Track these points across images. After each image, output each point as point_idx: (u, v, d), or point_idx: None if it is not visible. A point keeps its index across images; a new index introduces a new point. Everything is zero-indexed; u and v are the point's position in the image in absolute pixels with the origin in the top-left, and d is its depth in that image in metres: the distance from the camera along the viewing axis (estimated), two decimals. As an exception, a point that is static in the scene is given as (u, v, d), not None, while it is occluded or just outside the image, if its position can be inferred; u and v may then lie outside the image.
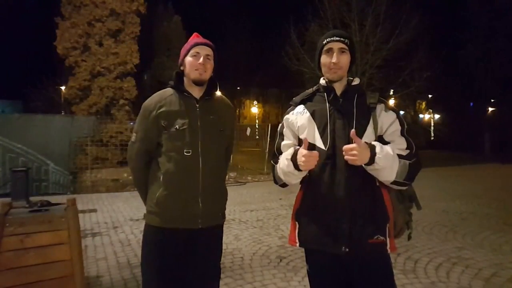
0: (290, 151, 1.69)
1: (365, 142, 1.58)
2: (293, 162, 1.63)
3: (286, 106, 1.93)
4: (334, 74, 1.68)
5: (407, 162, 1.60)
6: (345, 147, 1.55)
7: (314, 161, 1.57)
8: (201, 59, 1.86)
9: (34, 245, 2.34)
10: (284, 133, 1.81)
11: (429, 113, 32.64)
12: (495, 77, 20.79)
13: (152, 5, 19.26)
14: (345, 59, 1.69)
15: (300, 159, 1.59)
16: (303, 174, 1.66)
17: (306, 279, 3.10)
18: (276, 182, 1.84)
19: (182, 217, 1.82)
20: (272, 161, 1.86)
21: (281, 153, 1.79)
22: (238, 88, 42.21)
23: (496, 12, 20.58)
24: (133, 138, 1.96)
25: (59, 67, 19.46)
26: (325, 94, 1.73)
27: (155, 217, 1.85)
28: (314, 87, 1.81)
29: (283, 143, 1.80)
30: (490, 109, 24.01)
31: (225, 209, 2.02)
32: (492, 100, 23.44)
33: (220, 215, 1.97)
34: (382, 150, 1.56)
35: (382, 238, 1.63)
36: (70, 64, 15.63)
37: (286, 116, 1.82)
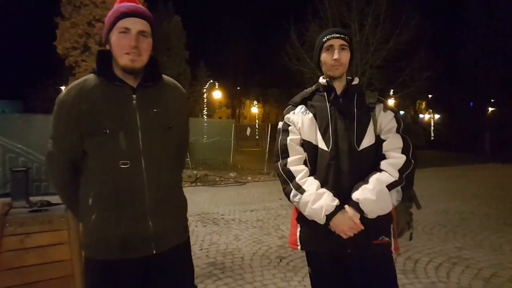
0: (330, 202, 1.56)
1: (349, 205, 1.56)
2: (327, 218, 1.55)
3: (286, 106, 1.86)
4: (336, 71, 1.67)
5: (399, 187, 1.57)
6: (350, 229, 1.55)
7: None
8: (133, 39, 1.34)
9: (34, 245, 2.34)
10: (290, 129, 1.73)
11: (429, 113, 32.64)
12: (495, 77, 20.78)
13: (152, 5, 19.26)
14: (346, 55, 1.68)
15: (346, 225, 1.54)
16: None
17: (306, 279, 3.09)
18: (284, 190, 1.68)
19: (128, 245, 1.37)
20: (279, 163, 1.70)
21: (287, 150, 1.70)
22: (238, 88, 42.23)
23: (496, 12, 20.57)
24: (49, 146, 1.44)
25: (59, 67, 19.46)
26: (325, 93, 1.72)
27: (94, 249, 1.39)
28: (314, 86, 1.79)
29: (289, 137, 1.71)
30: (490, 109, 24.01)
31: (187, 221, 1.59)
32: (492, 100, 23.43)
33: (181, 231, 1.53)
34: (362, 196, 1.54)
35: (386, 239, 1.63)
36: (70, 64, 15.64)
37: (287, 116, 1.77)
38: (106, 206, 1.36)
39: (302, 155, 1.70)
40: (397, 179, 1.57)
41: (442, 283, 3.33)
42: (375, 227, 1.61)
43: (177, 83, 1.61)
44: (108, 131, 1.34)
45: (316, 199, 1.57)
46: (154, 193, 1.40)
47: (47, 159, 1.48)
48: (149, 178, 1.39)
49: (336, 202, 1.57)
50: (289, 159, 1.68)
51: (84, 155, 1.40)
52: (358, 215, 1.55)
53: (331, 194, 1.58)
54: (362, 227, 1.55)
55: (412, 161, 1.61)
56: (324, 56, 1.69)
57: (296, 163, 1.68)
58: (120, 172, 1.35)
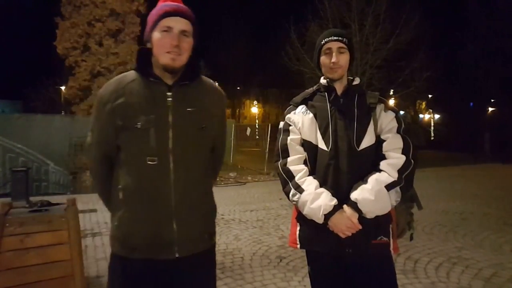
0: (328, 201, 1.56)
1: (347, 204, 1.57)
2: (325, 217, 1.57)
3: (286, 106, 1.87)
4: (335, 73, 1.68)
5: (398, 187, 1.57)
6: (347, 228, 1.55)
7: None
8: (175, 39, 1.35)
9: (34, 245, 2.34)
10: (290, 129, 1.75)
11: (429, 113, 32.66)
12: (495, 77, 20.79)
13: (152, 5, 19.23)
14: (345, 58, 1.69)
15: (343, 225, 1.55)
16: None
17: (306, 279, 3.08)
18: (283, 189, 1.70)
19: (152, 245, 1.36)
20: (279, 163, 1.71)
21: (287, 150, 1.71)
22: (238, 88, 42.24)
23: (496, 12, 20.57)
24: (88, 139, 1.50)
25: (59, 67, 19.46)
26: (326, 94, 1.73)
27: (119, 244, 1.41)
28: (315, 87, 1.80)
29: (290, 137, 1.72)
30: (490, 109, 24.02)
31: (214, 228, 1.55)
32: (492, 100, 23.44)
33: (206, 237, 1.49)
34: (360, 196, 1.55)
35: (385, 239, 1.63)
36: (70, 64, 15.63)
37: (288, 116, 1.78)
38: (132, 202, 1.37)
39: (302, 154, 1.70)
40: (396, 179, 1.57)
41: (442, 283, 3.34)
42: (374, 227, 1.61)
43: (216, 85, 1.59)
44: (139, 127, 1.35)
45: (315, 198, 1.58)
46: (180, 195, 1.38)
47: (87, 151, 1.54)
48: (176, 179, 1.37)
49: (334, 201, 1.58)
50: (289, 159, 1.69)
51: (118, 150, 1.42)
52: (356, 215, 1.55)
53: (330, 194, 1.59)
54: (360, 227, 1.56)
55: (412, 161, 1.61)
56: (323, 59, 1.72)
57: (296, 163, 1.68)
58: (147, 169, 1.35)
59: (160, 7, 1.39)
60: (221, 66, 36.50)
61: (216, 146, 1.57)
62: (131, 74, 1.44)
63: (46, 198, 2.95)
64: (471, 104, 24.89)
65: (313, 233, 1.66)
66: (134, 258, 1.38)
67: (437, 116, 31.73)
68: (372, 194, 1.54)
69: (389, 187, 1.56)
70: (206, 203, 1.51)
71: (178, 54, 1.35)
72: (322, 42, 1.70)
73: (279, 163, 1.72)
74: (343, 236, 1.57)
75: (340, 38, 1.67)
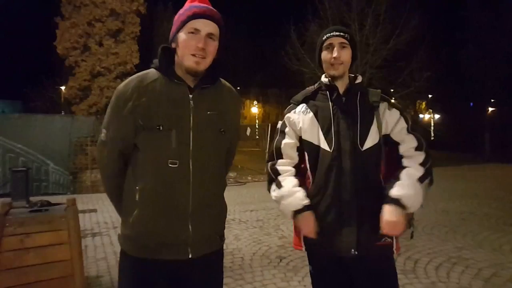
0: (300, 200, 1.62)
1: (390, 203, 1.55)
2: (294, 213, 1.63)
3: (286, 106, 1.85)
4: (336, 70, 1.64)
5: (426, 181, 1.59)
6: (389, 225, 1.54)
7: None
8: (201, 41, 1.33)
9: (34, 245, 2.34)
10: (286, 132, 1.74)
11: (429, 113, 32.65)
12: (495, 77, 20.78)
13: (152, 5, 19.29)
14: (346, 54, 1.64)
15: (307, 226, 1.62)
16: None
17: (306, 279, 3.08)
18: (268, 186, 1.77)
19: (165, 246, 1.37)
20: (269, 163, 1.75)
21: (280, 153, 1.73)
22: (238, 88, 42.13)
23: (496, 12, 20.57)
24: (102, 136, 1.45)
25: (59, 67, 19.46)
26: (327, 92, 1.69)
27: (131, 244, 1.40)
28: (315, 85, 1.76)
29: (284, 141, 1.73)
30: (490, 109, 24.01)
31: (224, 228, 1.57)
32: (492, 100, 23.43)
33: (218, 238, 1.50)
34: (400, 192, 1.55)
35: (389, 240, 1.63)
36: (70, 64, 15.62)
37: (288, 115, 1.76)
38: (149, 203, 1.36)
39: (293, 160, 1.73)
40: (423, 173, 1.59)
41: (442, 283, 3.34)
42: (379, 229, 1.60)
43: (233, 89, 1.59)
44: (161, 128, 1.33)
45: (289, 195, 1.64)
46: (198, 196, 1.38)
47: (99, 148, 1.48)
48: (195, 181, 1.37)
49: (306, 201, 1.62)
50: (279, 161, 1.73)
51: (135, 148, 1.39)
52: (400, 212, 1.53)
53: (304, 193, 1.63)
54: (315, 232, 1.61)
55: (429, 156, 1.63)
56: (324, 55, 1.67)
57: (285, 165, 1.72)
58: (168, 171, 1.34)
59: (189, 7, 1.37)
60: (221, 66, 36.45)
61: (230, 148, 1.58)
62: (153, 72, 1.41)
63: (46, 198, 2.95)
64: (471, 104, 24.88)
65: (320, 236, 1.64)
66: (146, 258, 1.37)
67: (437, 116, 31.71)
68: (410, 188, 1.54)
69: (421, 179, 1.57)
70: (220, 205, 1.52)
71: (203, 57, 1.34)
72: (324, 38, 1.66)
73: (269, 163, 1.76)
74: (310, 235, 1.63)
75: (342, 34, 1.64)
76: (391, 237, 1.64)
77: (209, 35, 1.35)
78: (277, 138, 1.77)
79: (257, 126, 26.01)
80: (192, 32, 1.33)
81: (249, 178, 11.19)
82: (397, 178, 1.59)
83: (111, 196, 1.54)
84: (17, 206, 2.63)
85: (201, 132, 1.38)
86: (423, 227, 5.24)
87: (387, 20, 14.69)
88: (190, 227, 1.38)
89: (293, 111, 1.75)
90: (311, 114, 1.68)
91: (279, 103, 42.14)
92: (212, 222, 1.46)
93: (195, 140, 1.36)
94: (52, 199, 2.95)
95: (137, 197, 1.37)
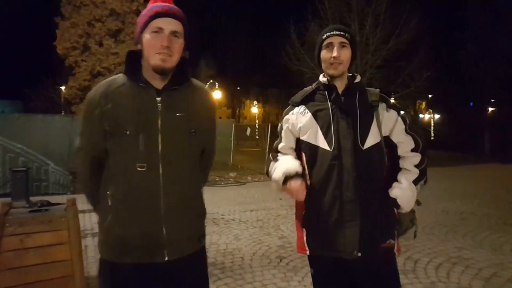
0: (286, 170, 1.65)
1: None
2: (283, 183, 1.64)
3: (286, 106, 1.85)
4: (335, 69, 1.63)
5: (423, 181, 1.69)
6: None
7: (302, 197, 1.64)
8: (165, 39, 1.33)
9: (34, 245, 2.34)
10: (282, 135, 1.77)
11: (429, 113, 32.64)
12: (495, 77, 20.78)
13: (152, 5, 19.27)
14: (346, 53, 1.63)
15: (292, 188, 1.62)
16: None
17: (306, 279, 3.08)
18: (267, 173, 1.84)
19: (141, 250, 1.36)
20: (270, 155, 1.83)
21: (279, 152, 1.81)
22: (238, 88, 42.25)
23: (496, 12, 20.57)
24: (78, 143, 1.47)
25: (59, 67, 19.46)
26: (326, 92, 1.68)
27: (108, 250, 1.40)
28: (313, 85, 1.75)
29: (280, 144, 1.78)
30: (490, 109, 24.01)
31: (203, 230, 1.57)
32: (492, 100, 23.43)
33: (195, 240, 1.50)
34: (399, 192, 1.65)
35: (393, 241, 1.64)
36: (70, 64, 15.63)
37: (286, 117, 1.75)
38: (121, 208, 1.36)
39: (294, 156, 1.79)
40: (418, 175, 1.66)
41: (442, 283, 3.33)
42: (383, 230, 1.61)
43: (206, 88, 1.58)
44: (128, 132, 1.33)
45: (285, 162, 1.68)
46: (169, 199, 1.37)
47: (76, 155, 1.51)
48: (165, 184, 1.36)
49: (300, 170, 1.65)
50: (280, 151, 1.81)
51: (107, 155, 1.40)
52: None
53: (299, 164, 1.67)
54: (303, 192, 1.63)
55: (425, 156, 1.69)
56: (323, 54, 1.66)
57: (286, 152, 1.79)
58: (136, 175, 1.34)
59: (150, 7, 1.37)
60: (221, 66, 36.51)
61: (206, 149, 1.57)
62: (120, 78, 1.41)
63: (46, 198, 2.94)
64: (471, 104, 24.88)
65: (322, 238, 1.63)
66: (124, 262, 1.37)
67: (437, 116, 31.70)
68: (407, 190, 1.64)
69: (415, 182, 1.66)
70: (195, 207, 1.50)
71: (169, 55, 1.34)
72: (324, 37, 1.65)
73: (270, 154, 1.85)
74: (297, 198, 1.66)
75: (342, 33, 1.63)
76: (394, 239, 1.64)
77: (173, 33, 1.35)
78: (276, 141, 1.84)
79: (257, 126, 25.98)
80: (155, 31, 1.33)
81: (249, 178, 11.19)
82: (396, 180, 1.67)
83: (91, 202, 1.54)
84: (17, 206, 2.63)
85: (170, 135, 1.37)
86: (423, 227, 5.24)
87: (387, 20, 14.70)
88: (164, 229, 1.37)
89: (291, 112, 1.75)
90: (310, 114, 1.67)
91: (279, 103, 42.17)
92: (188, 225, 1.45)
93: (164, 143, 1.36)
94: (52, 199, 2.95)
95: (109, 202, 1.37)
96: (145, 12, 1.38)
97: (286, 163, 1.67)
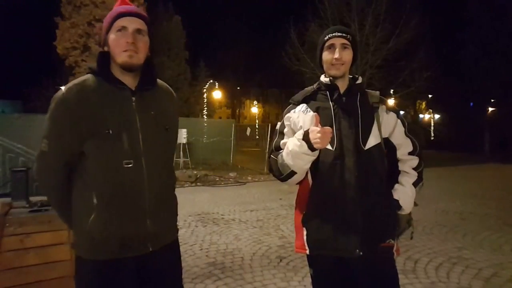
0: (300, 132, 1.57)
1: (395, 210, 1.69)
2: (306, 142, 1.51)
3: (286, 106, 1.84)
4: (337, 70, 1.64)
5: (421, 183, 1.72)
6: None
7: (329, 137, 1.50)
8: (130, 37, 1.37)
9: (34, 245, 2.34)
10: (285, 132, 1.74)
11: (429, 113, 32.63)
12: (495, 77, 20.78)
13: (152, 5, 19.26)
14: (348, 54, 1.64)
15: (315, 135, 1.48)
16: (316, 155, 1.56)
17: (306, 279, 3.08)
18: (277, 175, 1.69)
19: (126, 244, 1.39)
20: (271, 155, 1.74)
21: (280, 149, 1.73)
22: (238, 88, 42.28)
23: (496, 12, 20.57)
24: (43, 146, 1.41)
25: (59, 67, 19.46)
26: (328, 92, 1.69)
27: (89, 249, 1.40)
28: (315, 85, 1.75)
29: (282, 142, 1.73)
30: (490, 109, 24.01)
31: (177, 220, 1.64)
32: (492, 100, 23.43)
33: (173, 230, 1.59)
34: (400, 194, 1.69)
35: (392, 242, 1.65)
36: (70, 64, 15.64)
37: (288, 115, 1.75)
38: (107, 206, 1.37)
39: None
40: (417, 177, 1.71)
41: (442, 283, 3.34)
42: (383, 230, 1.62)
43: (169, 87, 1.66)
44: (111, 132, 1.35)
45: (291, 140, 1.60)
46: (153, 192, 1.43)
47: (39, 159, 1.45)
48: (149, 178, 1.42)
49: (305, 129, 1.58)
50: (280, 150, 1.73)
51: (81, 156, 1.38)
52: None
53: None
54: (329, 129, 1.52)
55: (422, 160, 1.73)
56: (325, 55, 1.66)
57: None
58: (124, 172, 1.37)
59: (113, 10, 1.44)
60: (221, 66, 36.51)
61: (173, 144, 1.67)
62: (91, 78, 1.42)
63: (46, 198, 2.94)
64: (471, 104, 24.88)
65: (323, 237, 1.63)
66: (107, 259, 1.39)
67: (437, 116, 31.69)
68: (409, 192, 1.68)
69: (415, 184, 1.70)
70: (172, 197, 1.60)
71: (135, 51, 1.38)
72: (325, 38, 1.66)
73: (272, 154, 1.75)
74: (323, 145, 1.51)
75: (344, 35, 1.63)
76: (394, 239, 1.64)
77: (138, 31, 1.40)
78: (276, 139, 1.78)
79: (257, 126, 25.99)
80: (119, 30, 1.38)
81: (249, 178, 11.19)
82: (397, 182, 1.71)
83: (59, 207, 1.53)
84: (17, 206, 2.63)
85: (148, 131, 1.43)
86: (423, 227, 5.24)
87: (387, 20, 14.70)
88: (148, 222, 1.43)
89: (292, 110, 1.74)
90: (311, 113, 1.67)
91: (279, 103, 42.21)
92: (168, 215, 1.55)
93: (144, 140, 1.42)
94: (52, 199, 2.94)
95: (94, 201, 1.36)
96: (109, 15, 1.44)
97: (292, 138, 1.61)
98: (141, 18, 1.42)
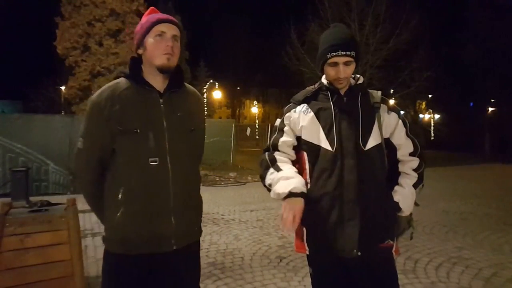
0: (287, 189, 1.60)
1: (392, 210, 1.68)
2: (285, 198, 1.60)
3: (286, 106, 1.82)
4: (340, 85, 1.64)
5: (421, 185, 1.72)
6: None
7: (291, 228, 1.58)
8: (169, 41, 1.49)
9: (34, 245, 2.34)
10: (285, 130, 1.73)
11: (429, 113, 32.63)
12: (495, 77, 20.78)
13: (152, 5, 19.30)
14: (351, 69, 1.62)
15: (291, 210, 1.57)
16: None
17: (306, 279, 3.08)
18: (261, 176, 1.75)
19: (151, 240, 1.47)
20: (267, 152, 1.74)
21: (277, 149, 1.73)
22: (238, 88, 42.29)
23: (496, 12, 20.56)
24: (79, 144, 1.54)
25: (59, 67, 19.48)
26: (329, 93, 1.68)
27: (116, 243, 1.48)
28: (316, 85, 1.74)
29: (282, 139, 1.72)
30: (490, 109, 24.01)
31: (201, 221, 1.70)
32: (492, 100, 23.43)
33: (196, 230, 1.65)
34: (404, 198, 1.68)
35: (392, 242, 1.64)
36: (70, 64, 15.66)
37: (288, 114, 1.74)
38: (133, 201, 1.45)
39: (290, 156, 1.74)
40: (417, 179, 1.70)
41: (442, 283, 3.34)
42: (382, 230, 1.61)
43: (196, 90, 1.74)
44: (139, 131, 1.46)
45: (291, 177, 1.63)
46: (177, 190, 1.50)
47: (77, 157, 1.57)
48: (174, 176, 1.49)
49: (305, 190, 1.61)
50: (277, 153, 1.74)
51: (113, 154, 1.49)
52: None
53: (304, 182, 1.63)
54: (292, 225, 1.56)
55: (423, 161, 1.71)
56: (328, 70, 1.64)
57: (283, 156, 1.73)
58: (149, 169, 1.46)
59: (151, 16, 1.54)
60: (221, 66, 36.53)
61: (200, 145, 1.74)
62: (123, 81, 1.53)
63: (46, 198, 2.94)
64: (471, 104, 24.88)
65: (322, 237, 1.63)
66: (134, 254, 1.46)
67: (437, 116, 31.67)
68: (408, 194, 1.67)
69: (415, 185, 1.69)
70: (197, 198, 1.65)
71: (172, 55, 1.49)
72: (328, 56, 1.59)
73: (267, 153, 1.75)
74: (290, 223, 1.57)
75: (347, 53, 1.57)
76: (392, 239, 1.64)
77: (174, 37, 1.52)
78: (274, 135, 1.76)
79: (257, 126, 25.98)
80: (159, 35, 1.49)
81: (249, 178, 11.18)
82: (397, 183, 1.70)
83: (93, 202, 1.61)
84: (17, 206, 2.63)
85: (174, 132, 1.52)
86: (423, 227, 5.24)
87: (387, 20, 14.70)
88: (173, 220, 1.50)
89: (293, 110, 1.73)
90: (312, 113, 1.67)
91: (279, 103, 42.19)
92: (192, 215, 1.61)
93: (170, 139, 1.50)
94: (52, 199, 2.95)
95: (120, 197, 1.45)
96: (147, 19, 1.54)
97: (294, 178, 1.62)
98: (177, 25, 1.54)
